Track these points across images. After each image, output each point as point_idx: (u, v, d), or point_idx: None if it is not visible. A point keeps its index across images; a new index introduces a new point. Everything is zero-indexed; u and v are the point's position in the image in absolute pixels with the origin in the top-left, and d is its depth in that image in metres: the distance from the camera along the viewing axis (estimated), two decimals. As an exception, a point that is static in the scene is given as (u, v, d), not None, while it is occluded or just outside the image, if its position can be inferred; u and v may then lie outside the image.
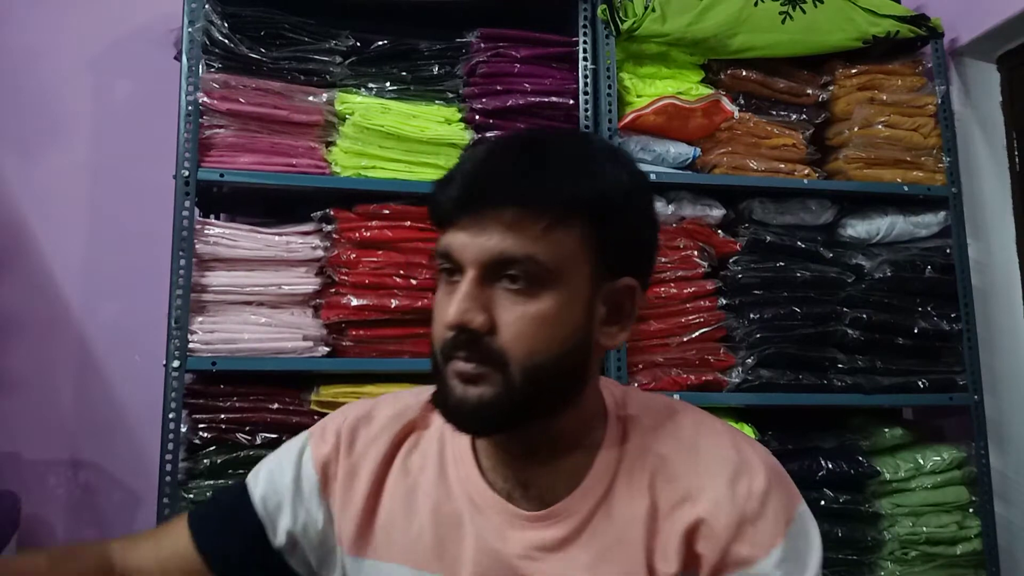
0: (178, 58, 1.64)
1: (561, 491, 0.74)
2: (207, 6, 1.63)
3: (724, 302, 1.77)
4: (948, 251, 1.87)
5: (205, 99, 1.60)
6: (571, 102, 1.77)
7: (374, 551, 0.78)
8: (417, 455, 0.80)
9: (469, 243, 0.68)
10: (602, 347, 0.73)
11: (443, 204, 0.70)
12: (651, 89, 1.79)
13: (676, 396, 1.60)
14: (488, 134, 1.73)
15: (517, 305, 0.67)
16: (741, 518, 0.70)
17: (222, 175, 1.60)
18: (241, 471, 1.56)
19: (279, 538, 0.80)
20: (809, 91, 1.89)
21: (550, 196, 0.67)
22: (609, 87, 1.77)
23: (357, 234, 1.65)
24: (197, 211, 1.60)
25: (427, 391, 0.77)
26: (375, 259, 1.65)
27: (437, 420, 0.80)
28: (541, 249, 0.66)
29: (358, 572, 0.79)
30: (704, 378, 1.70)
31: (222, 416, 1.57)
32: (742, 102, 1.85)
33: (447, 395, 0.69)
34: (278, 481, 0.81)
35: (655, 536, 0.72)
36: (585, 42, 1.80)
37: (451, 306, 0.67)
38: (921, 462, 1.75)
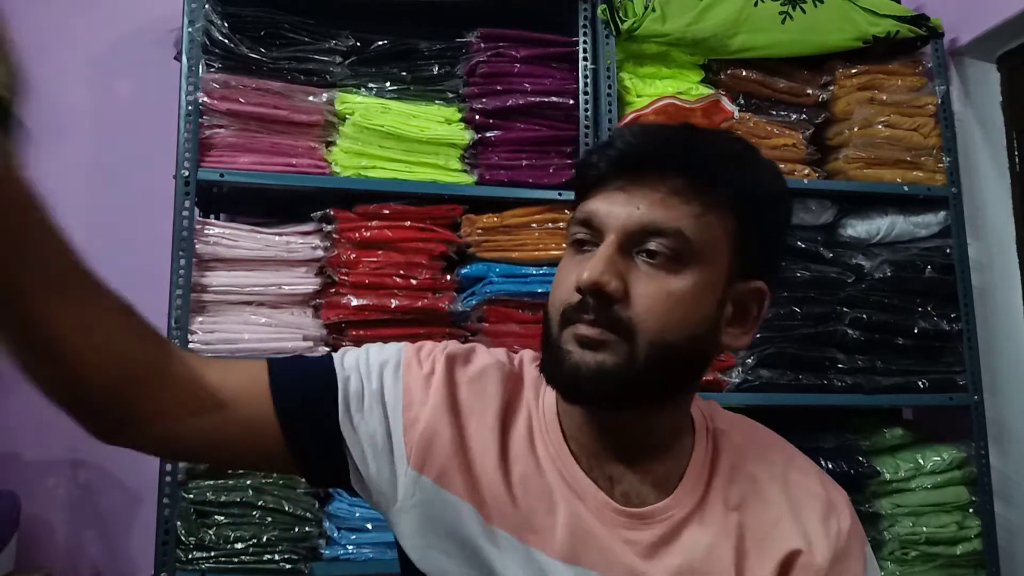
0: (178, 58, 1.64)
1: (649, 494, 0.72)
2: (207, 6, 1.63)
3: (724, 302, 1.76)
4: (948, 251, 1.87)
5: (205, 99, 1.60)
6: (571, 102, 1.77)
7: (466, 494, 0.72)
8: (509, 418, 0.75)
9: (616, 210, 0.67)
10: (724, 346, 0.71)
11: (597, 165, 0.69)
12: (651, 89, 1.79)
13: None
14: (488, 134, 1.73)
15: (654, 279, 0.66)
16: (835, 555, 0.70)
17: (222, 175, 1.60)
18: (241, 471, 1.56)
19: (347, 421, 0.72)
20: (809, 91, 1.89)
21: (715, 174, 0.67)
22: (609, 87, 1.77)
23: (357, 234, 1.65)
24: (197, 211, 1.60)
25: (498, 352, 0.78)
26: (375, 259, 1.65)
27: (527, 394, 0.77)
28: (691, 227, 0.66)
29: (442, 503, 0.72)
30: (704, 378, 1.70)
31: (222, 416, 1.57)
32: (742, 102, 1.85)
33: (561, 360, 0.67)
34: (364, 376, 0.74)
35: (744, 557, 0.71)
36: (585, 42, 1.80)
37: (586, 268, 0.65)
38: (921, 462, 1.75)
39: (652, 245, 0.66)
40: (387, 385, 0.74)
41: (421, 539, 0.72)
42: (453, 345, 0.78)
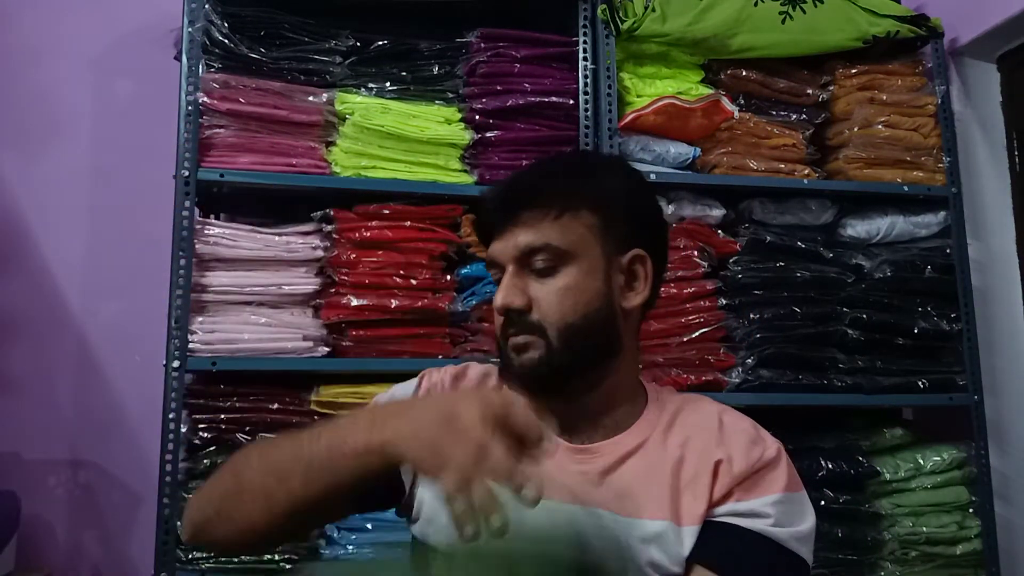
0: (178, 58, 1.64)
1: (599, 438, 0.89)
2: (207, 6, 1.63)
3: (724, 302, 1.76)
4: (948, 251, 1.86)
5: (205, 99, 1.60)
6: (571, 102, 1.77)
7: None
8: None
9: (503, 247, 0.88)
10: (627, 311, 0.90)
11: (485, 224, 0.91)
12: (651, 89, 1.79)
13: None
14: (488, 134, 1.73)
15: (545, 284, 0.86)
16: (751, 467, 0.84)
17: (222, 175, 1.60)
18: (241, 471, 1.56)
19: None
20: (809, 91, 1.89)
21: (552, 194, 0.87)
22: (609, 87, 1.77)
23: (357, 234, 1.65)
24: (197, 211, 1.60)
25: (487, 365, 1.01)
26: (375, 259, 1.65)
27: (494, 377, 0.97)
28: (554, 236, 0.85)
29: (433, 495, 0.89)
30: (704, 378, 1.70)
31: (222, 416, 1.57)
32: (742, 102, 1.85)
33: (509, 366, 0.88)
34: None
35: (680, 483, 0.84)
36: (585, 42, 1.80)
37: (497, 295, 0.87)
38: (921, 462, 1.75)
39: (536, 263, 0.86)
40: None
41: (428, 526, 0.90)
42: (450, 367, 1.00)
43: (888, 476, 1.72)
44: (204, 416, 1.57)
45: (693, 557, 0.82)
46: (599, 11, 1.78)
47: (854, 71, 1.90)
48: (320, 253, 1.66)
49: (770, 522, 0.81)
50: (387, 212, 1.68)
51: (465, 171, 1.74)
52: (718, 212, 1.80)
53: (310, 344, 1.63)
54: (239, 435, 1.56)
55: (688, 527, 0.82)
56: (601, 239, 0.87)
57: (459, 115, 1.74)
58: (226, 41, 1.63)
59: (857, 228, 1.86)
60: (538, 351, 0.85)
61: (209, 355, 1.56)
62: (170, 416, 1.52)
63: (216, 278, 1.60)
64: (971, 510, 1.76)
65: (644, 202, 0.95)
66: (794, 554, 0.81)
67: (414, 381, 0.98)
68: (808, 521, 0.83)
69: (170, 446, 1.51)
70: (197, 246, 1.58)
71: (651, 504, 0.84)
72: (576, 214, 0.86)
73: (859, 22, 1.87)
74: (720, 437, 0.87)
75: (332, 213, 1.66)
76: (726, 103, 1.79)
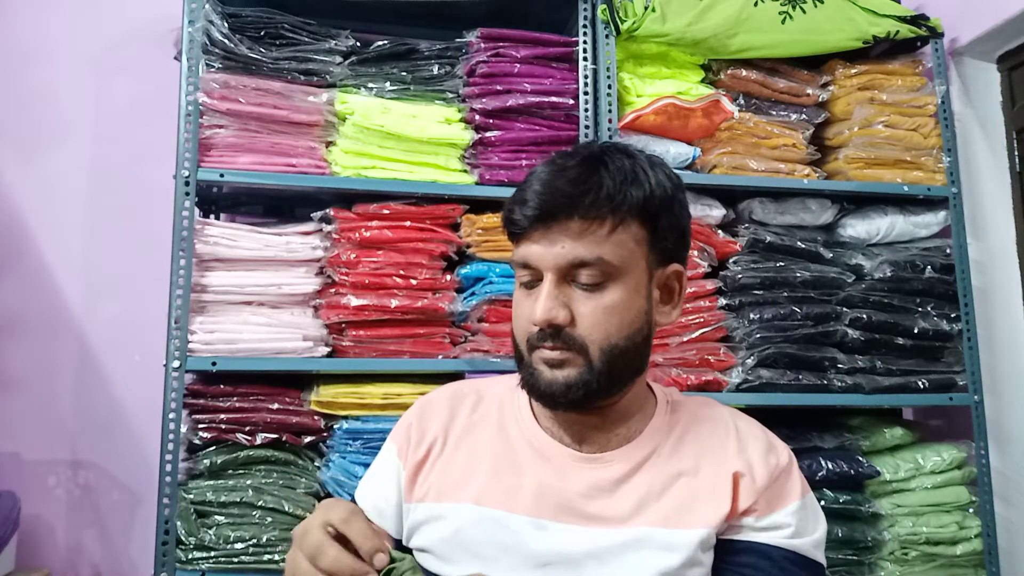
0: (178, 58, 1.64)
1: (612, 447, 0.87)
2: (207, 6, 1.63)
3: (724, 302, 1.77)
4: (948, 251, 1.87)
5: (205, 99, 1.60)
6: (571, 102, 1.77)
7: (441, 496, 0.88)
8: (478, 417, 0.93)
9: (544, 252, 0.81)
10: (658, 324, 0.87)
11: (519, 221, 0.83)
12: (651, 89, 1.79)
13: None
14: (488, 134, 1.73)
15: (591, 299, 0.81)
16: (771, 477, 0.85)
17: (222, 175, 1.61)
18: (241, 471, 1.57)
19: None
20: (809, 91, 1.89)
21: (608, 206, 0.81)
22: (609, 87, 1.77)
23: (357, 234, 1.65)
24: (197, 211, 1.60)
25: (480, 379, 0.99)
26: (375, 259, 1.65)
27: (495, 390, 0.95)
28: (607, 250, 0.81)
29: (427, 515, 0.88)
30: (704, 378, 1.70)
31: (222, 416, 1.57)
32: (742, 102, 1.85)
33: (536, 379, 0.83)
34: (378, 494, 0.95)
35: (696, 492, 0.84)
36: (585, 42, 1.80)
37: (538, 306, 0.81)
38: (921, 462, 1.75)
39: (582, 276, 0.81)
40: (389, 468, 0.94)
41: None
42: (422, 398, 0.98)
43: (888, 476, 1.72)
44: (204, 416, 1.57)
45: (719, 573, 0.83)
46: (599, 11, 1.78)
47: (854, 71, 1.90)
48: (320, 253, 1.66)
49: (790, 532, 0.83)
50: (387, 212, 1.68)
51: (465, 171, 1.74)
52: (718, 212, 1.80)
53: (310, 344, 1.62)
54: (239, 435, 1.56)
55: (702, 529, 0.82)
56: (647, 253, 0.84)
57: (459, 115, 1.74)
58: (226, 41, 1.63)
59: (857, 228, 1.86)
60: (576, 369, 0.81)
61: (209, 355, 1.56)
62: (170, 416, 1.52)
63: (216, 278, 1.60)
64: (971, 510, 1.76)
65: (685, 212, 0.90)
66: (814, 561, 0.84)
67: (388, 442, 0.97)
68: (822, 525, 0.86)
69: (170, 446, 1.52)
70: (197, 246, 1.58)
71: (669, 512, 0.83)
72: (627, 226, 0.82)
73: (859, 22, 1.87)
74: (738, 446, 0.87)
75: (332, 213, 1.66)
76: (726, 103, 1.79)
